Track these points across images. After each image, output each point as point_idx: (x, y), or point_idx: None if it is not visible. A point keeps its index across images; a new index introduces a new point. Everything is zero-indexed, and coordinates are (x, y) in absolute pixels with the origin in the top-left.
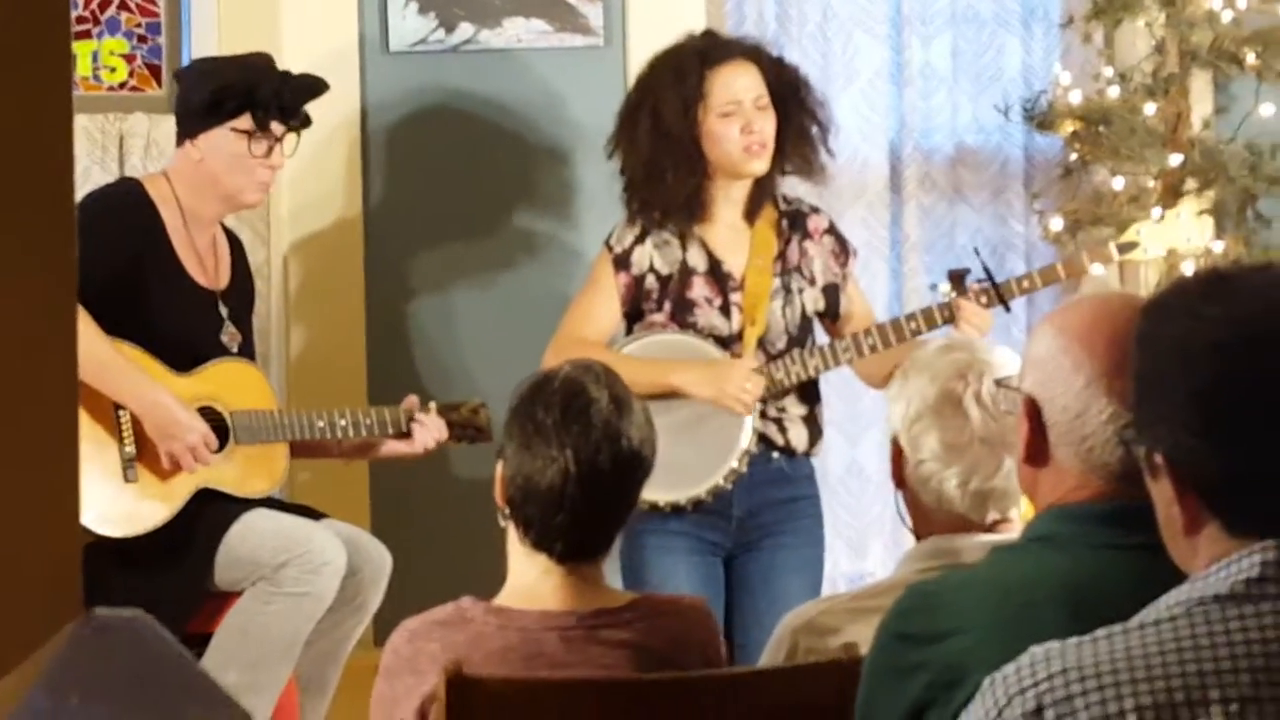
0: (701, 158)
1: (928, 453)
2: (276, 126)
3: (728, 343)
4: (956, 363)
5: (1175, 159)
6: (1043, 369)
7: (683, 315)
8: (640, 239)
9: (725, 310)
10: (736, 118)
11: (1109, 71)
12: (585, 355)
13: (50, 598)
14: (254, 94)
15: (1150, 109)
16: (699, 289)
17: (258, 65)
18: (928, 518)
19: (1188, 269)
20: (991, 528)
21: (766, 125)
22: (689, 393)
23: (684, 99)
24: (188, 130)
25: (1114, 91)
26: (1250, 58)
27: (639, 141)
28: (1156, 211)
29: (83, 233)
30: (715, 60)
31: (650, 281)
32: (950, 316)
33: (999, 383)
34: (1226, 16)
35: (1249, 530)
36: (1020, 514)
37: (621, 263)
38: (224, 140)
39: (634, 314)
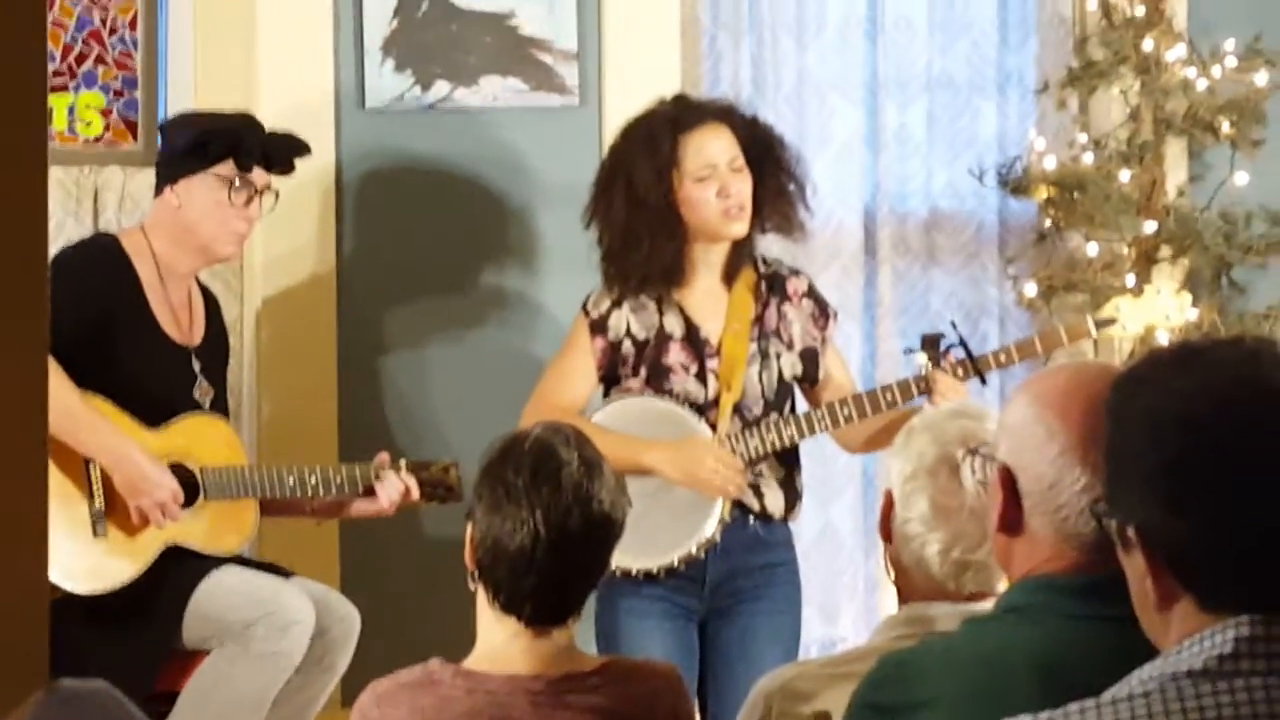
0: (679, 223)
1: (916, 513)
2: (259, 175)
3: (703, 409)
4: (962, 429)
5: (1149, 226)
6: (1017, 438)
7: (658, 381)
8: (617, 304)
9: (701, 377)
10: (712, 181)
11: (1083, 138)
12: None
13: (16, 667)
14: (239, 141)
15: (1125, 176)
16: (675, 355)
17: (245, 119)
18: (907, 577)
19: (1161, 339)
20: (970, 599)
21: (743, 187)
22: (660, 473)
23: (658, 166)
24: (169, 176)
25: (1089, 158)
26: (1225, 126)
27: (615, 211)
28: (1131, 279)
29: (56, 286)
30: (687, 125)
31: (626, 347)
32: (926, 388)
33: (975, 450)
34: (1201, 85)
35: (1222, 605)
36: (1001, 589)
37: (598, 327)
38: (204, 186)
39: (610, 379)
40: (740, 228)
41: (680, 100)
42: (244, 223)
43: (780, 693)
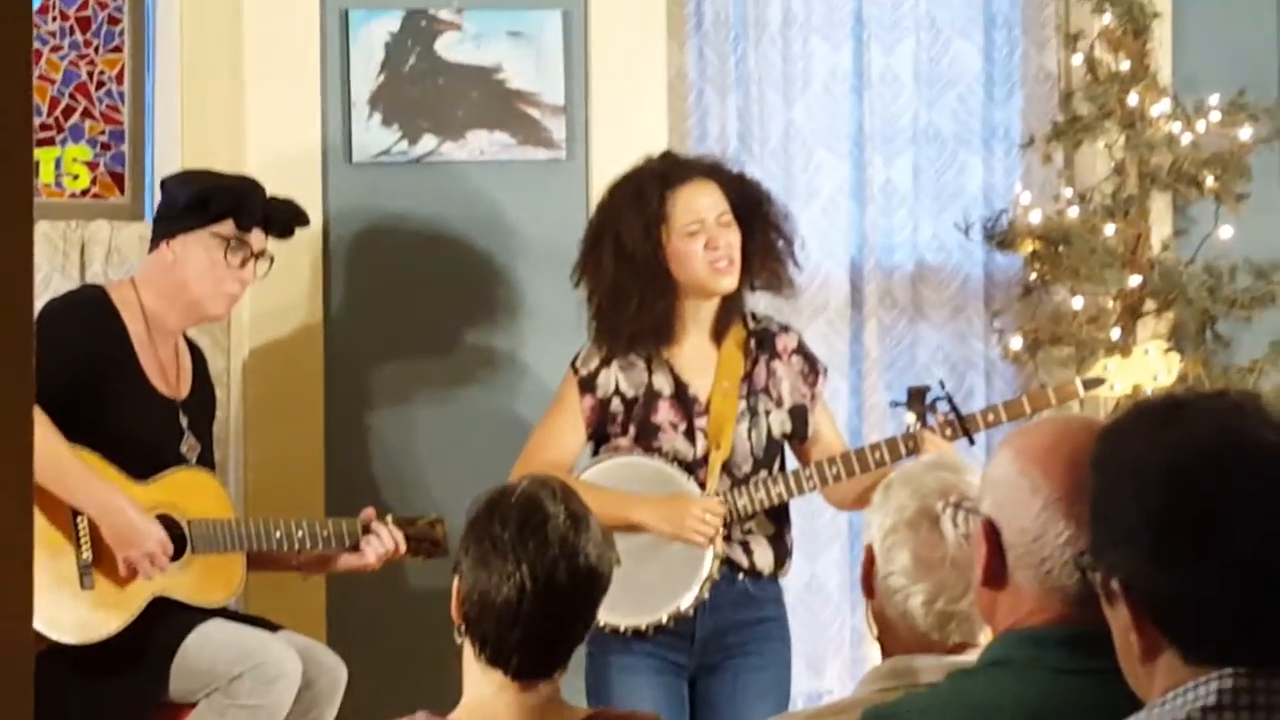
0: (669, 280)
1: (898, 566)
2: (256, 238)
3: (693, 467)
4: (941, 482)
5: (1134, 280)
6: (1001, 491)
7: (647, 440)
8: (606, 362)
9: (690, 435)
10: (700, 236)
11: (1069, 192)
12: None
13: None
14: (241, 202)
15: (1110, 230)
16: (664, 413)
17: (246, 181)
18: (891, 631)
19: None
20: (953, 650)
21: (732, 240)
22: (649, 528)
23: (646, 222)
24: (166, 231)
25: (1074, 212)
26: (1209, 180)
27: (603, 268)
28: (1116, 332)
29: (45, 337)
30: (675, 181)
31: (615, 405)
32: (914, 447)
33: (958, 504)
34: (1186, 139)
35: (1206, 658)
36: (985, 640)
37: (587, 385)
38: (201, 244)
39: (599, 436)
40: (730, 282)
41: (667, 157)
42: (237, 284)
43: None
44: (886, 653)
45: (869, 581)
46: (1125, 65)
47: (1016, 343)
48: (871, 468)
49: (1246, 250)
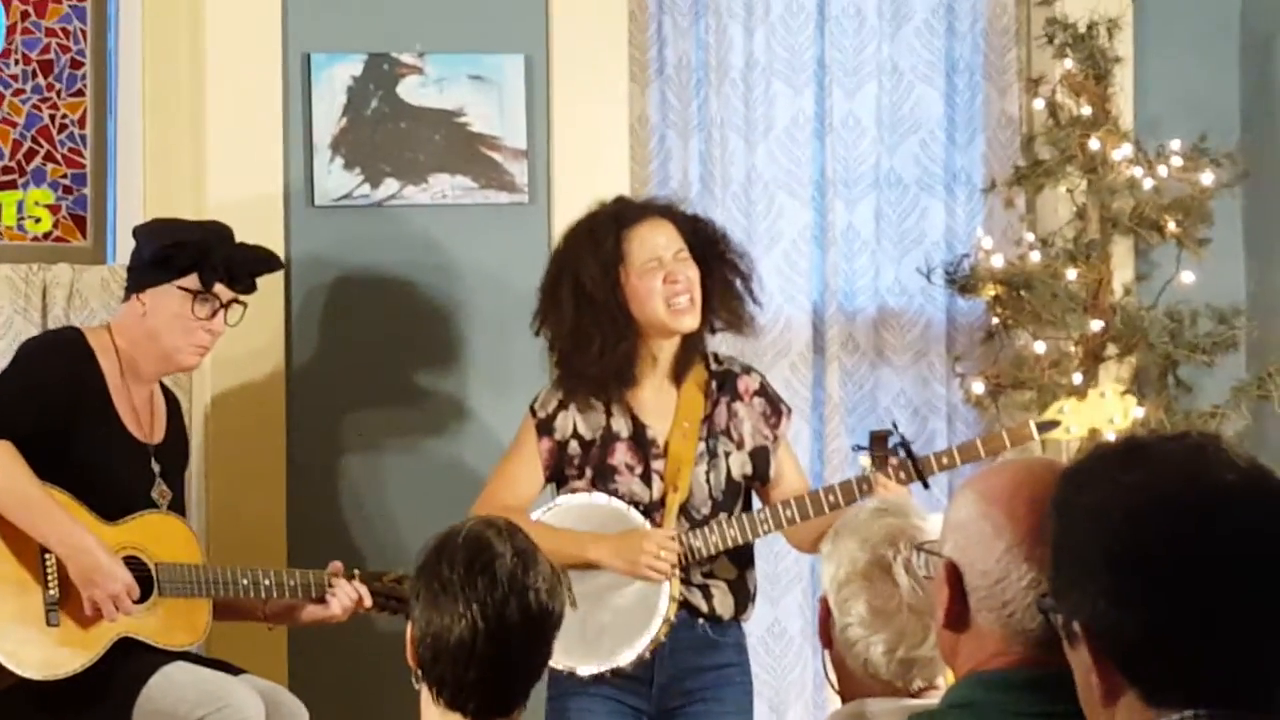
0: (629, 320)
1: (855, 617)
2: (222, 291)
3: (649, 510)
4: (888, 528)
5: (1096, 325)
6: (963, 534)
7: (604, 482)
8: (564, 405)
9: (645, 478)
10: (658, 272)
11: (1030, 236)
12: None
13: None
14: (205, 256)
15: (1072, 274)
16: (620, 455)
17: (215, 230)
18: (852, 680)
19: (1109, 435)
20: (916, 694)
21: (691, 275)
22: (605, 565)
23: (603, 263)
24: (137, 284)
25: (1036, 256)
26: (1171, 225)
27: (563, 312)
28: (1078, 377)
29: (22, 373)
30: (629, 221)
31: (573, 447)
32: (869, 490)
33: (920, 547)
34: (1147, 184)
35: (1167, 700)
36: (946, 680)
37: (545, 428)
38: (169, 298)
39: (557, 478)
40: (690, 321)
41: (621, 199)
42: (207, 335)
43: None
44: (846, 700)
45: (826, 633)
46: (1087, 110)
47: (979, 387)
48: (826, 510)
49: (1208, 295)
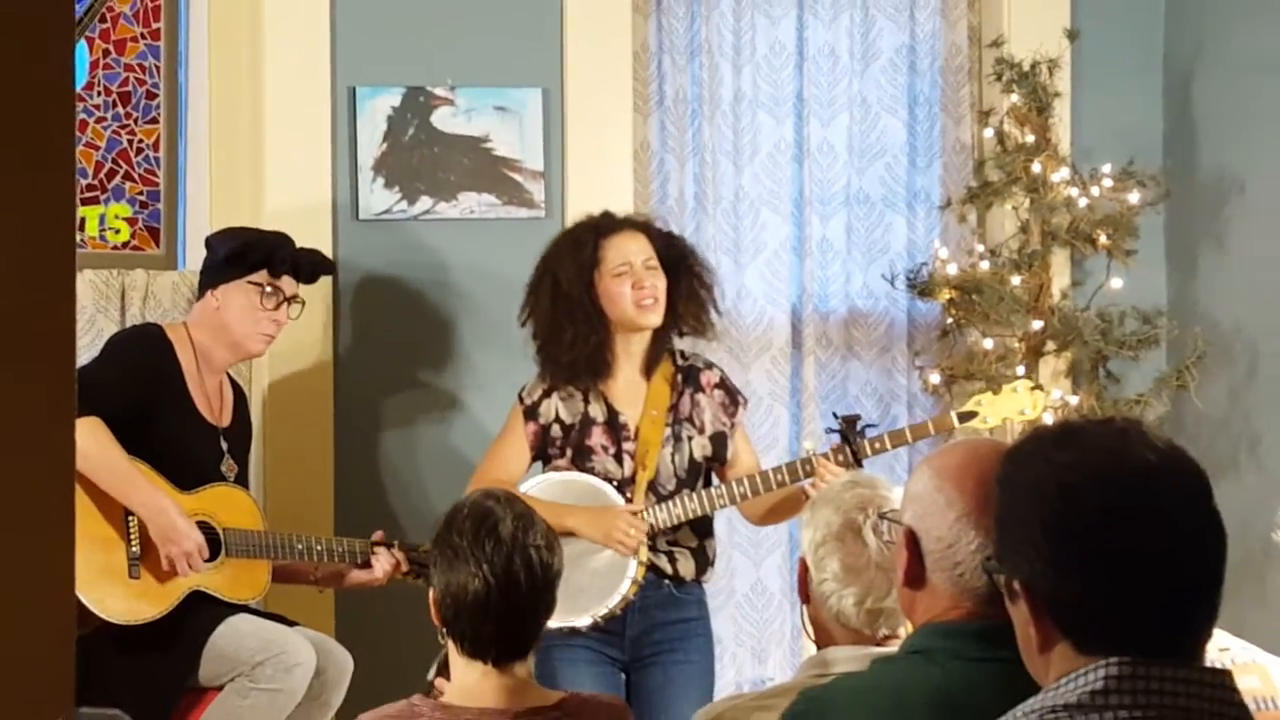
0: (601, 316)
1: (829, 574)
2: (288, 283)
3: (622, 486)
4: (859, 497)
5: (1037, 324)
6: (920, 504)
7: (582, 461)
8: (548, 393)
9: (618, 458)
10: (628, 277)
11: (981, 247)
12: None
13: (43, 695)
14: (272, 254)
15: (1016, 280)
16: (597, 438)
17: (278, 235)
18: (826, 630)
19: (1047, 419)
20: (881, 642)
21: (657, 283)
22: (581, 534)
23: (580, 265)
24: (210, 281)
25: (985, 265)
26: (1102, 238)
27: (542, 305)
28: (1021, 369)
29: (111, 364)
30: (608, 230)
31: (555, 430)
32: (810, 470)
33: (883, 515)
34: (1082, 203)
35: (1094, 649)
36: (906, 630)
37: (530, 413)
38: (240, 292)
39: (542, 457)
40: (654, 318)
41: (606, 213)
42: (273, 325)
43: None
44: (820, 648)
45: (805, 589)
46: (1030, 138)
47: (935, 378)
48: (774, 487)
49: (1134, 299)
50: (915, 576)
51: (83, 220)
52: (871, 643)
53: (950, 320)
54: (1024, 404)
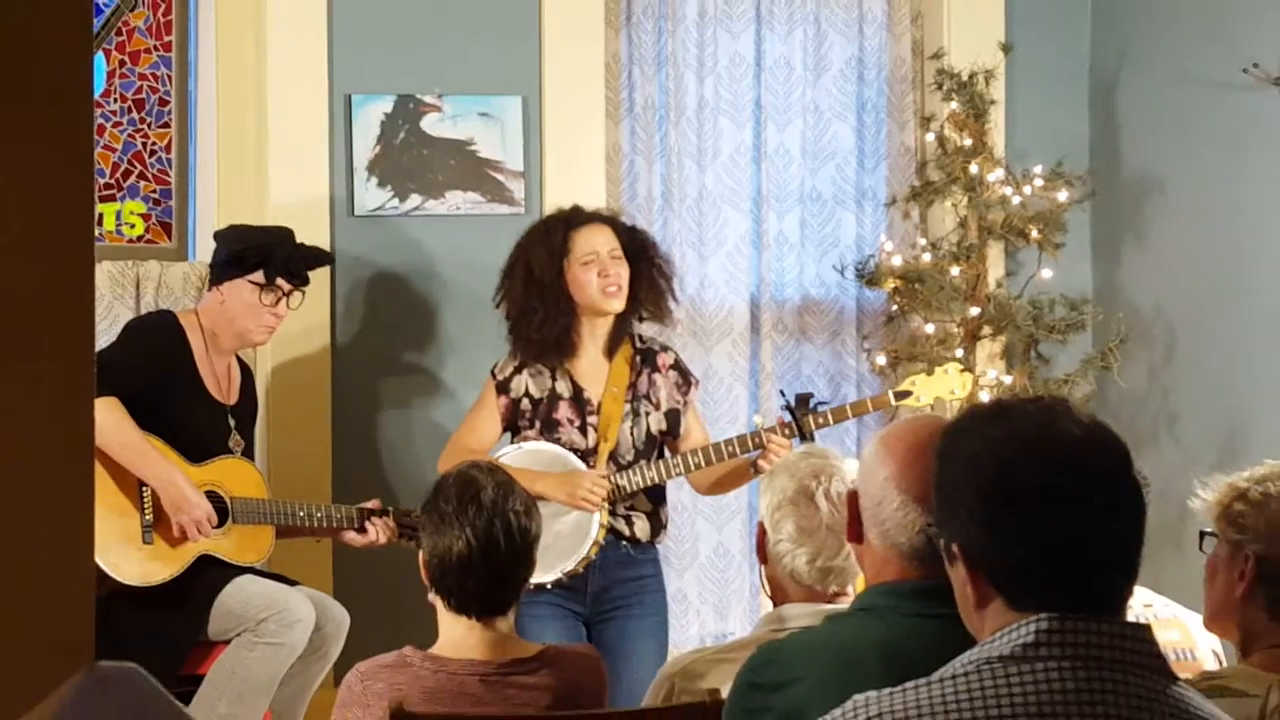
0: (569, 301)
1: (785, 535)
2: (283, 283)
3: (586, 455)
4: (813, 466)
5: (974, 311)
6: (862, 468)
7: (549, 432)
8: (518, 370)
9: (583, 430)
10: (594, 265)
11: (923, 241)
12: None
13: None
14: (270, 256)
15: (955, 271)
16: (563, 412)
17: (279, 235)
18: (782, 588)
19: (983, 397)
20: (832, 598)
21: (621, 271)
22: (549, 497)
23: (551, 253)
24: (216, 278)
25: (927, 257)
26: (1034, 232)
27: (515, 289)
28: (960, 352)
29: (126, 346)
30: (577, 223)
31: (525, 404)
32: (759, 443)
33: (830, 480)
34: (1015, 201)
35: (1025, 605)
36: (855, 588)
37: (502, 388)
38: (242, 290)
39: (512, 429)
40: (617, 304)
41: (574, 207)
42: (273, 318)
43: (680, 674)
44: (776, 604)
45: (763, 550)
46: (968, 142)
47: (881, 360)
48: (725, 458)
49: (1062, 288)
50: (855, 533)
51: (101, 216)
52: (823, 599)
53: (895, 307)
54: (954, 384)
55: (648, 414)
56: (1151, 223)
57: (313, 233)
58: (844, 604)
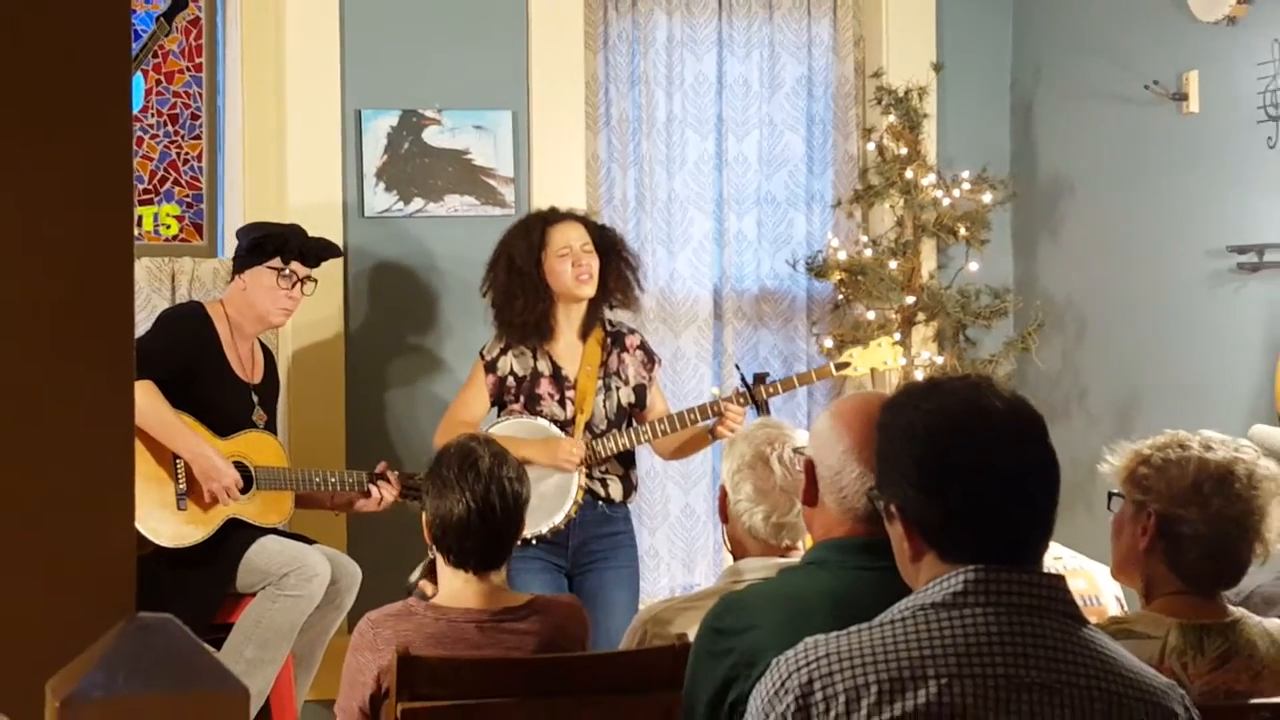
0: (547, 289)
1: (744, 495)
2: (299, 268)
3: (564, 425)
4: (768, 434)
5: (910, 299)
6: (819, 439)
7: (532, 406)
8: (504, 351)
9: (562, 403)
10: (568, 258)
11: (865, 238)
12: (465, 433)
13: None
14: (285, 243)
15: (893, 265)
16: (544, 388)
17: (292, 227)
18: (741, 544)
19: (918, 376)
20: (785, 552)
21: (592, 263)
22: (533, 461)
23: (530, 246)
24: (238, 267)
25: (868, 252)
26: (962, 230)
27: (498, 278)
28: (898, 336)
29: (161, 334)
30: (553, 220)
31: (510, 382)
32: (717, 411)
33: (796, 450)
34: (945, 202)
35: (956, 558)
36: (805, 544)
37: (490, 367)
38: (262, 275)
39: (499, 403)
40: (589, 290)
41: (551, 207)
42: (290, 301)
43: (652, 620)
44: (736, 559)
45: (724, 510)
46: (904, 150)
47: (829, 342)
48: (688, 424)
49: (987, 279)
50: (812, 497)
51: (140, 218)
52: (778, 553)
53: (840, 297)
54: (886, 355)
55: (618, 389)
56: (1065, 221)
57: (327, 232)
58: (795, 558)
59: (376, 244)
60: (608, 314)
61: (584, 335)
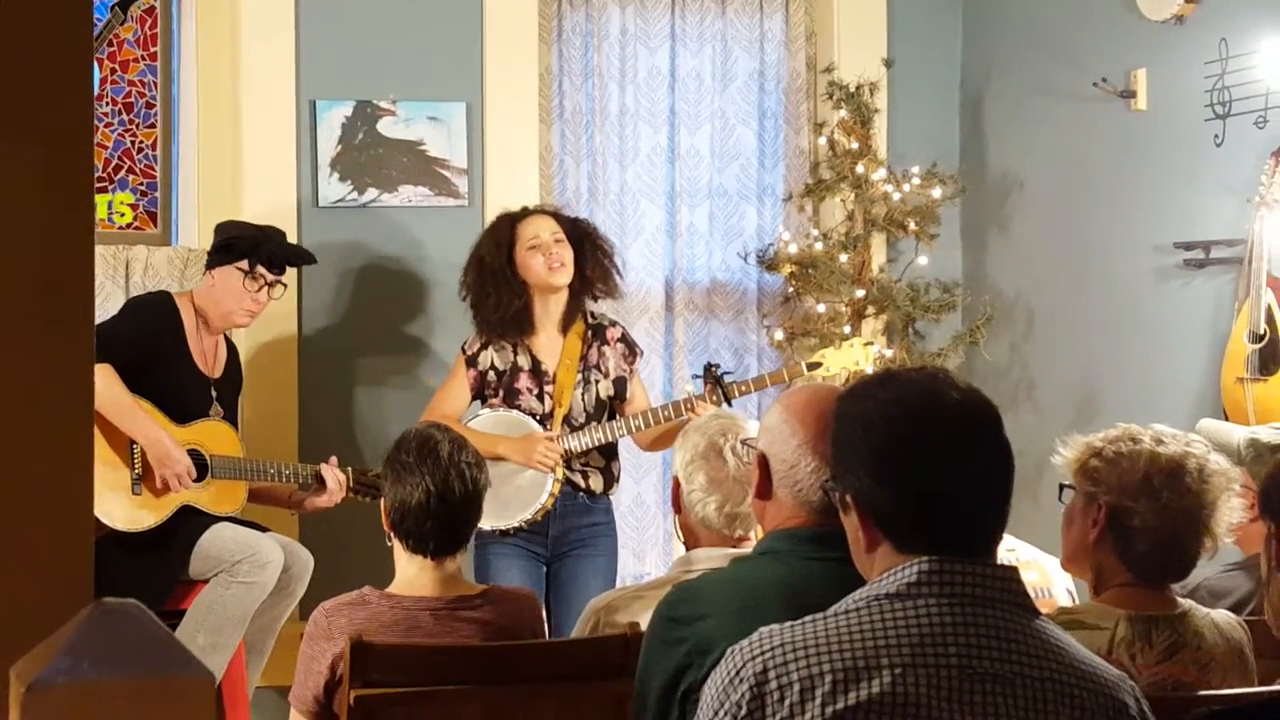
0: (522, 284)
1: (697, 485)
2: (264, 272)
3: (543, 419)
4: (722, 425)
5: (860, 293)
6: (771, 434)
7: (511, 400)
8: (485, 346)
9: (540, 397)
10: (539, 250)
11: (816, 232)
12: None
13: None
14: (256, 248)
15: (844, 258)
16: (523, 381)
17: (269, 232)
18: (694, 533)
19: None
20: (737, 542)
21: (563, 252)
22: (508, 458)
23: (499, 244)
24: (210, 264)
25: (819, 246)
26: (911, 224)
27: (471, 277)
28: (848, 329)
29: (124, 321)
30: (521, 217)
31: (490, 376)
32: (690, 407)
33: (744, 442)
34: (896, 197)
35: (910, 548)
36: (756, 534)
37: (471, 362)
38: (230, 275)
39: (479, 397)
40: (563, 278)
41: (521, 208)
42: (256, 304)
43: (604, 609)
44: (689, 549)
45: (677, 500)
46: (855, 145)
47: (779, 335)
48: (662, 421)
49: (936, 273)
50: (765, 491)
51: (95, 206)
52: (730, 544)
53: (791, 289)
54: (859, 356)
55: (597, 382)
56: (1013, 216)
57: (281, 221)
58: (748, 548)
59: (330, 234)
60: (591, 306)
61: (564, 329)
